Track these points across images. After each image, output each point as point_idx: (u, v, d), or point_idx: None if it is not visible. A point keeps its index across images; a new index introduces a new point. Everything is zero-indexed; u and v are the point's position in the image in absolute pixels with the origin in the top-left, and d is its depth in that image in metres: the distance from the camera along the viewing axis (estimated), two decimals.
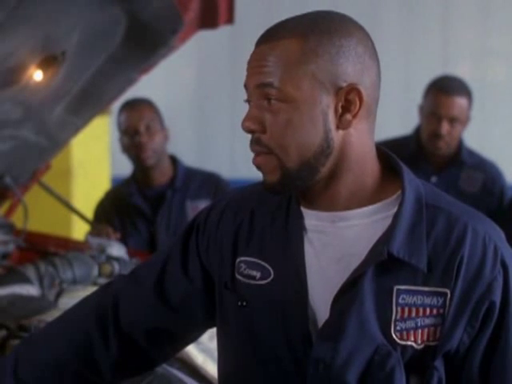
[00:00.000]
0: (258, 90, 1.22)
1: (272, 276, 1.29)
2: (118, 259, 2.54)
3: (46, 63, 2.07)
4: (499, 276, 1.22)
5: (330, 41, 1.20)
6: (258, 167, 1.26)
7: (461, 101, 2.93)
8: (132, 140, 2.98)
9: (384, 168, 1.29)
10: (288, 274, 1.27)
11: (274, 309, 1.28)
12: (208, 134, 5.98)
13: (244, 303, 1.31)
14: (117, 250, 2.60)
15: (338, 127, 1.22)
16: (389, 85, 4.45)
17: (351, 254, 1.24)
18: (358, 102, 1.22)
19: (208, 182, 3.12)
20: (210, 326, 1.46)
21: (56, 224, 4.03)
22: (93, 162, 4.62)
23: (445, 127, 2.93)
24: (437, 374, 1.23)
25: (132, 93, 2.77)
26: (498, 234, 1.26)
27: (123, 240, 2.83)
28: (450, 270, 1.21)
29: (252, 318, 1.30)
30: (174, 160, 3.13)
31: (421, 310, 1.22)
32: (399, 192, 1.26)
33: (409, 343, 1.22)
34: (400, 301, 1.22)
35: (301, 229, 1.28)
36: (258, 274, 1.30)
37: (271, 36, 1.23)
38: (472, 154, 3.12)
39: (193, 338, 1.52)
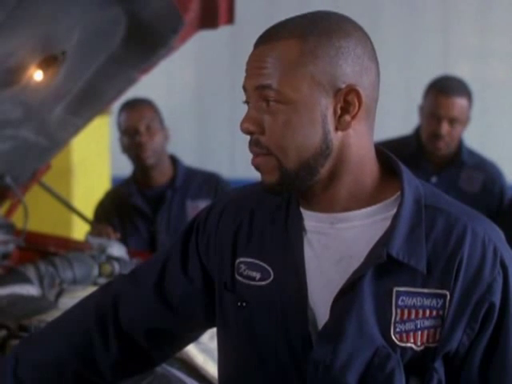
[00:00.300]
0: (257, 91, 1.22)
1: (272, 277, 1.29)
2: (118, 259, 2.54)
3: (46, 63, 2.07)
4: (499, 277, 1.22)
5: (329, 42, 1.20)
6: (257, 168, 1.25)
7: (461, 101, 2.93)
8: (132, 140, 2.98)
9: (383, 169, 1.29)
10: (288, 275, 1.27)
11: (273, 309, 1.28)
12: (208, 134, 5.99)
13: (244, 304, 1.31)
14: (117, 250, 2.60)
15: (336, 128, 1.22)
16: (389, 85, 4.46)
17: (351, 256, 1.24)
18: (356, 103, 1.21)
19: (208, 182, 3.12)
20: (210, 326, 1.46)
21: (56, 224, 4.03)
22: (93, 161, 4.62)
23: (445, 128, 2.92)
24: (436, 375, 1.23)
25: (132, 93, 2.77)
26: (497, 234, 1.26)
27: (123, 240, 2.83)
28: (450, 272, 1.21)
29: (252, 318, 1.30)
30: (174, 160, 3.13)
31: (420, 311, 1.22)
32: (398, 193, 1.25)
33: (408, 345, 1.22)
34: (399, 303, 1.22)
35: (300, 230, 1.28)
36: (257, 275, 1.31)
37: (270, 37, 1.22)
38: (472, 154, 3.12)
39: (193, 338, 1.52)
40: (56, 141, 2.62)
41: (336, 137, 1.22)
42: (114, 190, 3.26)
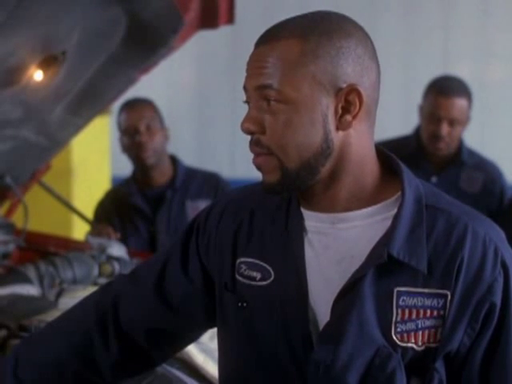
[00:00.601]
0: (258, 91, 1.22)
1: (272, 277, 1.29)
2: (118, 259, 2.54)
3: (47, 63, 2.07)
4: (499, 277, 1.22)
5: (330, 42, 1.20)
6: (258, 167, 1.25)
7: (460, 102, 2.93)
8: (132, 140, 2.98)
9: (384, 169, 1.29)
10: (288, 275, 1.27)
11: (274, 310, 1.28)
12: (208, 134, 5.99)
13: (244, 304, 1.31)
14: (117, 249, 2.60)
15: (337, 128, 1.22)
16: (389, 85, 4.45)
17: (351, 256, 1.24)
18: (357, 103, 1.21)
19: (208, 182, 3.12)
20: (211, 327, 1.46)
21: (56, 224, 4.03)
22: (93, 161, 4.62)
23: (445, 129, 2.92)
24: (437, 375, 1.23)
25: (132, 93, 2.77)
26: (498, 234, 1.26)
27: (123, 240, 2.83)
28: (451, 272, 1.21)
29: (252, 318, 1.30)
30: (174, 160, 3.13)
31: (421, 311, 1.22)
32: (399, 193, 1.25)
33: (409, 345, 1.22)
34: (400, 303, 1.21)
35: (301, 230, 1.28)
36: (258, 275, 1.30)
37: (270, 37, 1.22)
38: (472, 154, 3.12)
39: (193, 338, 1.52)
40: (56, 141, 2.62)
41: (337, 136, 1.22)
42: (114, 189, 3.26)
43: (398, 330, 1.22)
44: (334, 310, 1.23)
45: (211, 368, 1.89)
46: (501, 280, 1.22)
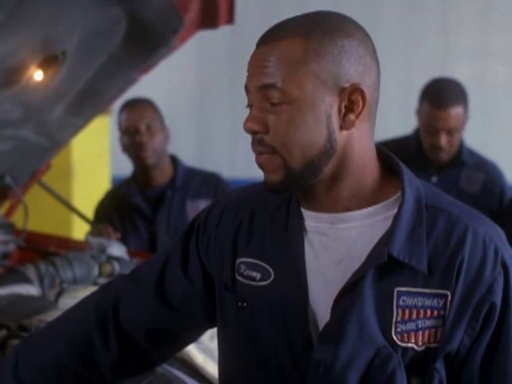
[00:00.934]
0: (261, 91, 1.21)
1: (272, 277, 1.29)
2: (118, 259, 2.54)
3: (47, 63, 2.07)
4: (500, 277, 1.22)
5: (332, 41, 1.20)
6: (261, 166, 1.25)
7: (456, 110, 2.88)
8: (132, 140, 2.98)
9: (384, 169, 1.29)
10: (288, 276, 1.27)
11: (274, 310, 1.28)
12: (208, 134, 5.99)
13: (244, 304, 1.31)
14: (117, 249, 2.60)
15: (341, 128, 1.22)
16: (389, 85, 4.45)
17: (351, 256, 1.24)
18: (361, 102, 1.21)
19: (208, 182, 3.12)
20: (211, 326, 1.46)
21: (56, 224, 4.03)
22: (93, 162, 4.62)
23: (443, 139, 2.91)
24: (437, 375, 1.23)
25: (132, 93, 2.77)
26: (498, 234, 1.26)
27: (123, 240, 2.83)
28: (451, 272, 1.21)
29: (252, 318, 1.30)
30: (174, 160, 3.13)
31: (421, 311, 1.22)
32: (399, 193, 1.25)
33: (409, 345, 1.22)
34: (401, 303, 1.21)
35: (301, 230, 1.28)
36: (258, 275, 1.30)
37: (272, 37, 1.22)
38: (472, 154, 3.11)
39: (193, 338, 1.52)
40: (56, 141, 2.62)
41: (340, 136, 1.22)
42: (114, 189, 3.26)
43: (398, 330, 1.22)
44: (333, 310, 1.23)
45: (211, 368, 1.89)
46: (501, 280, 1.22)
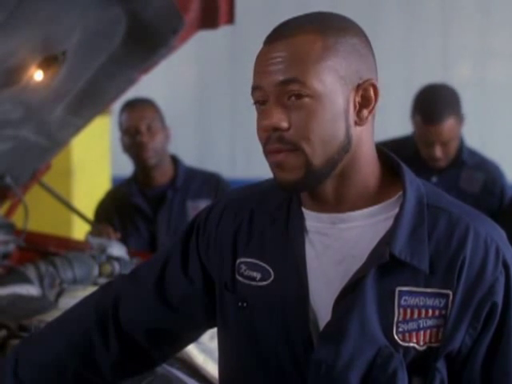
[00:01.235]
0: (280, 86, 1.19)
1: (272, 277, 1.29)
2: (118, 259, 2.54)
3: (47, 63, 2.07)
4: (501, 277, 1.22)
5: (345, 38, 1.21)
6: (279, 165, 1.21)
7: (448, 123, 2.87)
8: (133, 140, 2.98)
9: (384, 168, 1.29)
10: (288, 276, 1.27)
11: (274, 310, 1.28)
12: (208, 134, 5.99)
13: (244, 304, 1.31)
14: (117, 249, 2.60)
15: (356, 123, 1.22)
16: (389, 85, 4.46)
17: (352, 256, 1.24)
18: (373, 98, 1.22)
19: (209, 182, 3.12)
20: (211, 326, 1.46)
21: (56, 224, 4.03)
22: (93, 161, 4.62)
23: (438, 151, 2.92)
24: (439, 375, 1.23)
25: (132, 93, 2.78)
26: (499, 234, 1.26)
27: (124, 240, 2.83)
28: (452, 272, 1.21)
29: (252, 318, 1.30)
30: (174, 160, 3.13)
31: (423, 311, 1.22)
32: (400, 193, 1.25)
33: (411, 345, 1.22)
34: (402, 302, 1.21)
35: (302, 230, 1.28)
36: (258, 275, 1.30)
37: (284, 34, 1.21)
38: (473, 153, 3.11)
39: (193, 337, 1.52)
40: (56, 141, 2.62)
41: (355, 132, 1.22)
42: (115, 189, 3.26)
43: (400, 329, 1.21)
44: (334, 310, 1.23)
45: (211, 368, 1.89)
46: (502, 280, 1.22)
